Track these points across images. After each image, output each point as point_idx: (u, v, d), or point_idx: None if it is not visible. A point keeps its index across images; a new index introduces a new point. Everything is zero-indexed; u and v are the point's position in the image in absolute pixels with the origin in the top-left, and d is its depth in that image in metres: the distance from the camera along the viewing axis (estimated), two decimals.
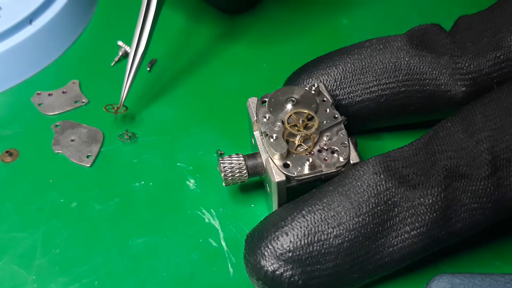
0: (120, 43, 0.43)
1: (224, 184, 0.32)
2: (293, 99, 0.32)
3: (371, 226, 0.27)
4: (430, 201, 0.27)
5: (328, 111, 0.32)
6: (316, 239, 0.27)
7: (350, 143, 0.30)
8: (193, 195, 0.35)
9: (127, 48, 0.43)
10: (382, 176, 0.28)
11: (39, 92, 0.41)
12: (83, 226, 0.33)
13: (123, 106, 0.38)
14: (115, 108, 0.38)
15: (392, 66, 0.34)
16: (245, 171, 0.31)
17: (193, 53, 0.44)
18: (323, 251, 0.27)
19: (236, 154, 0.32)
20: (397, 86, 0.34)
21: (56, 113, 0.40)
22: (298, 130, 0.30)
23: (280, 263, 0.27)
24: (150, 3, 0.37)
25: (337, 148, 0.30)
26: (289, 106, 0.32)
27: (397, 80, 0.34)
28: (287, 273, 0.27)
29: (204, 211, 0.34)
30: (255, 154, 0.32)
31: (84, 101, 0.40)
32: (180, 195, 0.35)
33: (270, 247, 0.27)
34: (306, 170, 0.29)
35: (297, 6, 0.47)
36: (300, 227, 0.27)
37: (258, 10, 0.47)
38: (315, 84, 0.32)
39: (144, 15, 0.37)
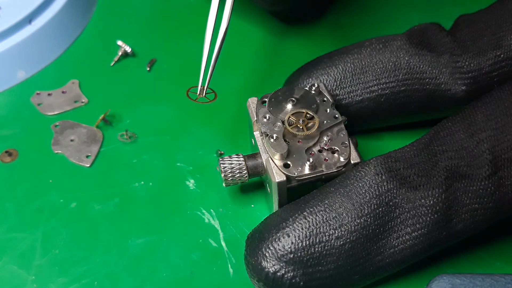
0: (119, 42, 0.43)
1: (224, 185, 0.32)
2: (293, 99, 0.32)
3: (373, 227, 0.27)
4: (431, 202, 0.27)
5: (328, 111, 0.32)
6: (317, 240, 0.27)
7: (351, 143, 0.30)
8: (193, 195, 0.34)
9: (127, 48, 0.43)
10: (383, 177, 0.27)
11: (38, 92, 0.41)
12: (83, 226, 0.33)
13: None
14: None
15: (392, 65, 0.34)
16: (245, 171, 0.31)
17: (193, 53, 0.43)
18: (324, 252, 0.27)
19: (236, 154, 0.32)
20: (397, 86, 0.34)
21: (56, 113, 0.39)
22: (298, 130, 0.30)
23: (281, 264, 0.27)
24: None
25: (337, 148, 0.30)
26: (289, 106, 0.32)
27: (397, 80, 0.34)
28: (289, 275, 0.27)
29: (204, 211, 0.34)
30: (255, 154, 0.32)
31: (83, 101, 0.40)
32: (180, 195, 0.35)
33: (271, 248, 0.27)
34: (306, 170, 0.29)
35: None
36: (302, 228, 0.27)
37: (259, 9, 0.46)
38: (315, 84, 0.32)
39: None
